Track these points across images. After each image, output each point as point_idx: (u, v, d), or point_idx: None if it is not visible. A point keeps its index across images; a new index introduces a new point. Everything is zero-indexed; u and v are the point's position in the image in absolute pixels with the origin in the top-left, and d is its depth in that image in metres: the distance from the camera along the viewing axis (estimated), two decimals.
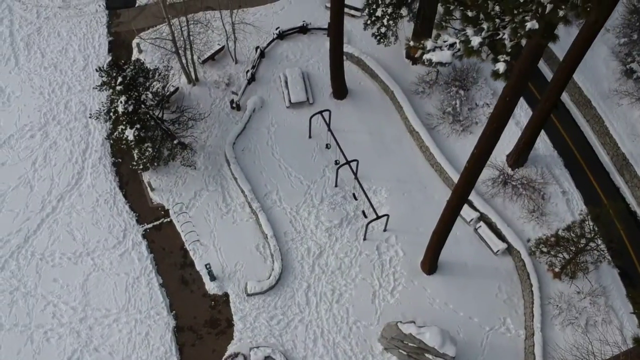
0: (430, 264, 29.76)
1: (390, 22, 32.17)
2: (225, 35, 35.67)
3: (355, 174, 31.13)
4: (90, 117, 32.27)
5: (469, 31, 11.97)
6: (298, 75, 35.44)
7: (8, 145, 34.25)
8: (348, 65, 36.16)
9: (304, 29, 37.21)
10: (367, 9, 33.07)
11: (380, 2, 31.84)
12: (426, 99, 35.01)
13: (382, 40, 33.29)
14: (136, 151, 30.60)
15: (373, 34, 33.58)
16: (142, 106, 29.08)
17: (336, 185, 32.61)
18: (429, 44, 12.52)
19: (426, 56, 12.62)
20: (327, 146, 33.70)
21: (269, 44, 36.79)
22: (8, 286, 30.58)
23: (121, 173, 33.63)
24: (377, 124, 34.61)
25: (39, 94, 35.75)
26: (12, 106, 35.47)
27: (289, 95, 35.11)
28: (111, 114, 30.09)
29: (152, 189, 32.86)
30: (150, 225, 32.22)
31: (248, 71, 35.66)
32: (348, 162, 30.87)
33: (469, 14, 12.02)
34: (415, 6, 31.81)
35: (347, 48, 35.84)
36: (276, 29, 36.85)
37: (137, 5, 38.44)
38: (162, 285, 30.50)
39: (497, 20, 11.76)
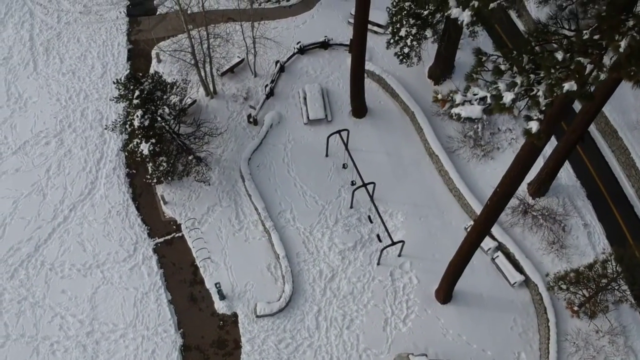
0: (445, 294, 29.03)
1: (414, 42, 31.44)
2: (245, 48, 35.17)
3: (371, 196, 30.46)
4: (106, 129, 31.90)
5: (501, 85, 11.27)
6: (317, 92, 34.85)
7: (23, 151, 34.02)
8: (368, 83, 35.52)
9: (325, 44, 36.61)
10: (390, 27, 32.39)
11: (404, 22, 31.13)
12: (447, 121, 34.25)
13: (404, 60, 32.58)
14: (150, 164, 30.23)
15: (396, 54, 32.87)
16: (159, 121, 28.66)
17: (351, 207, 31.97)
18: (458, 97, 11.86)
19: (455, 110, 11.97)
20: (344, 166, 33.07)
21: (289, 59, 36.24)
22: (16, 295, 30.31)
23: (135, 185, 33.26)
24: (396, 145, 33.92)
25: (56, 100, 35.51)
26: (28, 112, 35.25)
27: (307, 112, 34.54)
28: (127, 126, 29.70)
29: (165, 203, 32.44)
30: (161, 240, 31.80)
31: (267, 85, 35.14)
32: (365, 185, 30.22)
33: (502, 67, 11.31)
34: (441, 28, 31.05)
35: (368, 65, 35.20)
36: (297, 43, 36.29)
37: (157, 13, 38.06)
38: (171, 302, 30.05)
39: (532, 76, 11.07)
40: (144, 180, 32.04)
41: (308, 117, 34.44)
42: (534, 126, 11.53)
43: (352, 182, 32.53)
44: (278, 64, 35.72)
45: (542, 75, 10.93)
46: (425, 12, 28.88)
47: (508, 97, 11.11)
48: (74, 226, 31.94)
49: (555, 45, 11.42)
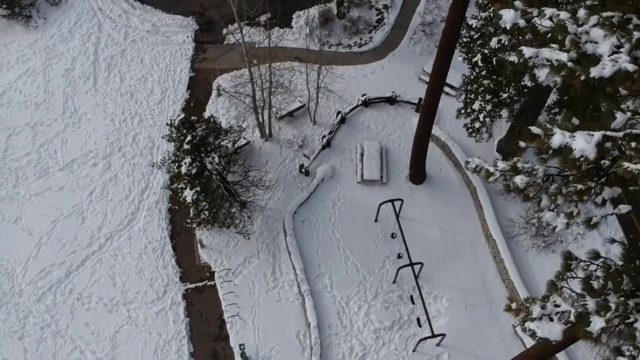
0: None
1: (487, 119, 29.27)
2: (307, 93, 33.58)
3: (416, 277, 28.45)
4: (153, 166, 30.91)
5: (590, 304, 9.24)
6: (376, 151, 33.00)
7: (69, 169, 33.44)
8: (431, 148, 33.37)
9: (391, 100, 34.71)
10: (463, 95, 30.30)
11: (479, 94, 28.97)
12: (510, 203, 31.77)
13: (473, 134, 30.44)
14: (193, 209, 29.04)
15: (465, 125, 30.78)
16: (207, 169, 27.41)
17: (394, 282, 30.03)
18: (535, 310, 9.88)
19: (529, 325, 9.93)
20: (393, 235, 31.15)
21: (351, 110, 34.52)
22: (40, 320, 29.69)
23: (175, 222, 32.21)
24: (452, 220, 31.76)
25: (110, 120, 34.82)
26: (81, 128, 34.68)
27: (362, 170, 32.74)
28: (175, 167, 28.58)
29: (203, 246, 31.26)
30: (192, 286, 30.64)
31: (324, 136, 33.53)
32: (411, 264, 28.22)
33: (595, 284, 9.30)
34: (517, 108, 28.79)
35: (433, 129, 33.02)
36: (362, 95, 34.51)
37: (225, 43, 36.86)
38: (192, 355, 28.82)
39: (631, 302, 9.00)
40: (184, 223, 30.85)
41: (362, 176, 32.65)
42: None
43: (398, 254, 30.59)
44: (339, 115, 34.05)
45: None
46: (505, 95, 26.66)
47: (597, 324, 9.02)
48: (108, 257, 31.11)
49: None
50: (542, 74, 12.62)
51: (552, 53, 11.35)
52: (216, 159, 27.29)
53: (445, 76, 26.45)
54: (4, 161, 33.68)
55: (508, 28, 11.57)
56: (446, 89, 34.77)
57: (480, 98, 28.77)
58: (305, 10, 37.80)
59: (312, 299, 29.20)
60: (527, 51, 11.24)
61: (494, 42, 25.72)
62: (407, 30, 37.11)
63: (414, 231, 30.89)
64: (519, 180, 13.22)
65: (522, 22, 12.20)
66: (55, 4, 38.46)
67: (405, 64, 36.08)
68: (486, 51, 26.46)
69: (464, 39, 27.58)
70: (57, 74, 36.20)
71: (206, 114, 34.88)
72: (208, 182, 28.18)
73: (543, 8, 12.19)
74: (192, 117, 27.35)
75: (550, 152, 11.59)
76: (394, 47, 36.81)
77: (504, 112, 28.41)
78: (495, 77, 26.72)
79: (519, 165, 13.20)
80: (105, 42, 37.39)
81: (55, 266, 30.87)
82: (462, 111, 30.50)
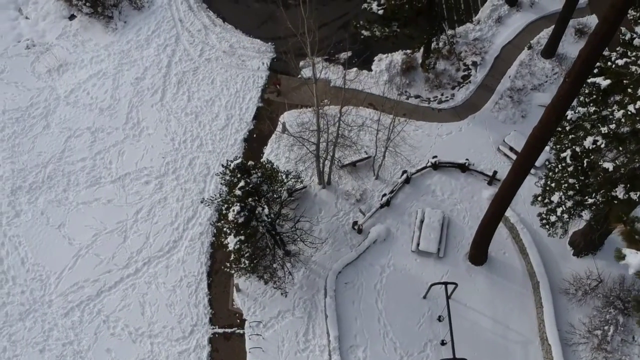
0: None
1: (565, 215, 26.47)
2: (375, 145, 31.51)
3: None
4: (202, 202, 29.68)
5: None
6: (437, 221, 30.69)
7: (121, 182, 32.70)
8: (499, 227, 30.55)
9: (463, 167, 32.27)
10: (543, 181, 27.58)
11: (562, 186, 26.17)
12: (574, 306, 28.95)
13: (547, 227, 27.66)
14: (234, 255, 27.58)
15: (540, 215, 28.01)
16: (255, 220, 25.86)
17: None
18: None
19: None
20: (440, 319, 28.82)
21: (419, 170, 32.28)
22: (64, 336, 29.08)
23: (215, 258, 30.94)
24: (507, 313, 29.10)
25: (170, 139, 33.87)
26: (140, 142, 33.90)
27: (418, 239, 30.51)
28: (223, 209, 27.18)
29: (238, 290, 29.84)
30: (220, 331, 29.28)
31: (385, 194, 31.45)
32: None
33: None
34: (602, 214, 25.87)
35: None
36: (433, 157, 32.21)
37: (299, 76, 35.24)
38: None
39: None
40: (222, 267, 29.42)
41: (418, 246, 30.42)
42: None
43: (442, 341, 28.25)
44: (405, 174, 31.89)
45: None
46: (590, 200, 23.88)
47: None
48: (142, 283, 30.15)
49: None
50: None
51: None
52: (266, 211, 25.71)
53: (531, 166, 23.94)
54: (59, 162, 33.31)
55: (631, 273, 9.36)
56: None
57: (561, 189, 26.03)
58: (389, 54, 35.77)
59: None
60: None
61: (588, 142, 23.05)
62: (494, 93, 34.44)
63: (463, 317, 28.54)
64: None
65: None
66: (137, 8, 37.90)
67: (485, 130, 33.50)
68: (578, 149, 23.77)
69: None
70: (127, 82, 35.59)
71: (267, 150, 33.55)
72: (254, 231, 26.66)
73: None
74: (250, 163, 25.90)
75: None
76: (476, 109, 34.25)
77: (586, 214, 25.60)
78: (582, 178, 23.97)
79: None
80: (180, 56, 36.49)
81: (89, 282, 30.20)
82: (539, 198, 27.77)
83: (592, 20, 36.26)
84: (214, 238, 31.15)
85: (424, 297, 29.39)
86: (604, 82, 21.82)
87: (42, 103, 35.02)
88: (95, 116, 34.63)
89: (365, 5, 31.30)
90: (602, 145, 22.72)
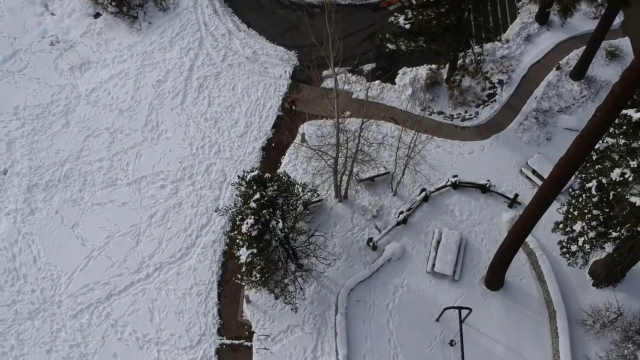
0: None
1: (586, 245, 25.68)
2: (395, 161, 30.90)
3: None
4: (216, 211, 29.37)
5: None
6: (454, 242, 30.06)
7: (137, 185, 32.52)
8: (517, 253, 30.06)
9: (484, 188, 31.56)
10: (565, 208, 26.80)
11: (585, 216, 25.39)
12: (591, 338, 28.13)
13: (567, 256, 26.88)
14: (245, 268, 27.20)
15: (560, 243, 27.24)
16: (268, 233, 25.45)
17: None
18: None
19: None
20: (452, 343, 28.17)
21: (438, 189, 31.64)
22: (71, 338, 28.96)
23: (227, 268, 30.61)
24: (521, 342, 28.37)
25: (188, 144, 33.61)
26: (158, 145, 33.70)
27: (434, 260, 29.90)
28: (237, 219, 26.81)
29: (248, 302, 29.47)
30: (228, 342, 28.96)
31: (402, 212, 30.88)
32: None
33: None
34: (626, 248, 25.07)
35: None
36: (453, 176, 31.57)
37: (321, 86, 34.69)
38: None
39: None
40: (233, 278, 29.09)
41: (433, 267, 29.81)
42: None
43: None
44: (423, 192, 31.30)
45: None
46: (614, 234, 23.11)
47: None
48: (152, 289, 29.94)
49: None
50: None
51: None
52: (280, 225, 25.30)
53: (555, 197, 23.16)
54: (77, 162, 33.23)
55: None
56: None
57: (585, 222, 25.26)
58: (414, 68, 35.18)
59: None
60: None
61: (616, 174, 22.30)
62: (519, 113, 33.69)
63: (475, 343, 27.91)
64: None
65: None
66: (163, 10, 37.73)
67: (508, 151, 32.75)
68: (604, 180, 23.01)
69: None
70: (148, 83, 35.43)
71: (284, 160, 33.14)
72: (266, 245, 26.25)
73: None
74: (266, 175, 25.51)
75: None
76: (500, 129, 33.52)
77: (608, 247, 24.80)
78: (607, 210, 23.22)
79: None
80: (202, 60, 36.22)
81: (99, 285, 30.06)
82: (561, 226, 27.00)
83: (624, 43, 35.37)
84: (226, 247, 30.83)
85: (437, 320, 28.79)
86: (635, 115, 21.11)
87: (62, 100, 34.99)
88: (115, 117, 34.51)
89: (392, 18, 30.78)
90: (630, 179, 21.97)
